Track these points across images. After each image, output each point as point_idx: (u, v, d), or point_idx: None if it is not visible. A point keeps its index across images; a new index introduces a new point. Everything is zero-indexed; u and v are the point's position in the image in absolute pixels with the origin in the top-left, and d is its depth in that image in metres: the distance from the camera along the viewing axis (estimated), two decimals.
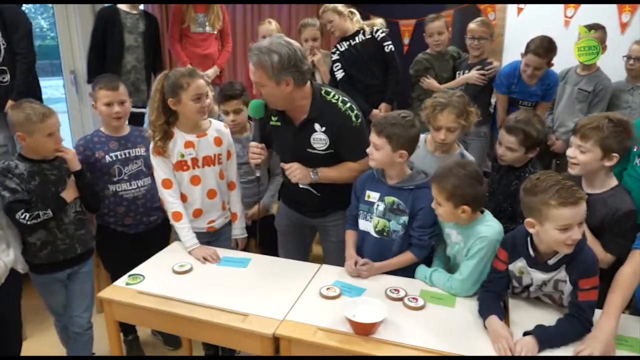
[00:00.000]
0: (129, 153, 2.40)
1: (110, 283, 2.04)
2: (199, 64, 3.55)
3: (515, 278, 1.75)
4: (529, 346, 1.52)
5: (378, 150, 1.97)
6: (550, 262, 1.64)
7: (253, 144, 2.16)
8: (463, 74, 3.46)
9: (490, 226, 1.83)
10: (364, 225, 2.11)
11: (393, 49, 3.45)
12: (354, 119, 2.11)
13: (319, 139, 2.13)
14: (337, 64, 3.50)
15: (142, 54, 3.43)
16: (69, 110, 3.79)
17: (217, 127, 2.32)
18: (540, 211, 1.56)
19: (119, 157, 2.37)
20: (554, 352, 1.54)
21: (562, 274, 1.64)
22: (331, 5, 3.40)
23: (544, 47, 3.06)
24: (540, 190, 1.56)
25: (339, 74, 3.51)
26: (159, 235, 2.44)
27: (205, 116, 2.22)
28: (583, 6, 4.04)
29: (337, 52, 3.49)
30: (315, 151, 2.14)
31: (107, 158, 2.35)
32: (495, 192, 2.27)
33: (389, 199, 2.02)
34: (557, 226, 1.53)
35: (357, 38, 3.43)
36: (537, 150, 2.19)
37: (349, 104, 2.12)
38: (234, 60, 4.63)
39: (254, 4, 4.60)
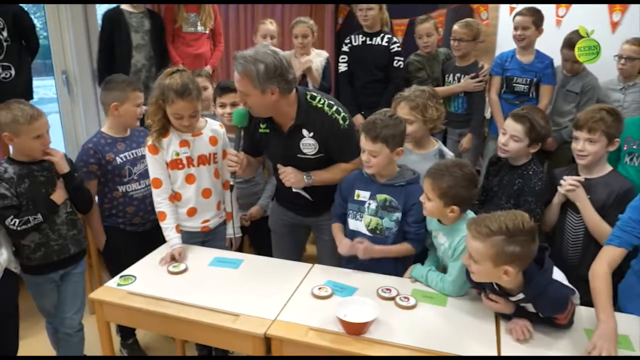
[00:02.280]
0: (136, 153, 2.43)
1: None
2: (192, 63, 3.55)
3: None
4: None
5: (376, 157, 1.97)
6: (513, 299, 1.63)
7: (232, 151, 2.14)
8: (452, 77, 3.48)
9: None
10: (355, 224, 2.11)
11: (402, 66, 3.46)
12: (341, 121, 2.11)
13: (308, 144, 2.13)
14: (344, 56, 3.52)
15: (150, 52, 3.45)
16: (60, 110, 3.76)
17: (213, 127, 2.32)
18: None
19: (128, 157, 2.40)
20: (549, 352, 1.55)
21: (530, 307, 1.63)
22: None
23: (527, 8, 3.20)
24: None
25: (342, 67, 3.53)
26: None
27: (186, 131, 2.20)
28: (574, 5, 4.06)
29: (349, 44, 3.51)
30: (306, 156, 2.14)
31: (118, 160, 2.36)
32: (496, 193, 2.26)
33: (381, 196, 2.03)
34: None
35: (374, 39, 3.44)
36: (538, 145, 2.18)
37: (335, 107, 2.11)
38: (227, 59, 4.62)
39: (248, 4, 4.59)
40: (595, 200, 2.00)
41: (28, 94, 2.98)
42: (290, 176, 2.11)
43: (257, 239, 2.84)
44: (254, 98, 2.00)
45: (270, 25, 3.56)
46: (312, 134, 2.11)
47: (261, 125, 2.19)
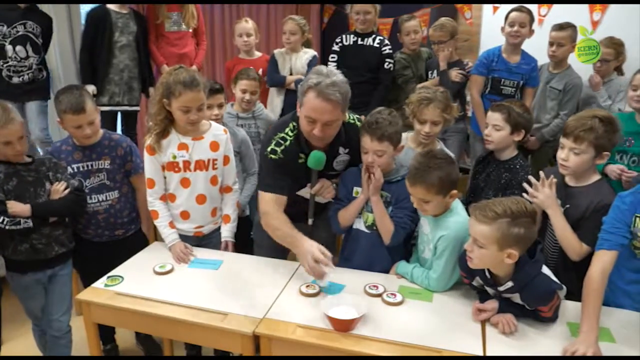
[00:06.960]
0: (91, 165, 2.27)
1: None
2: (177, 63, 3.49)
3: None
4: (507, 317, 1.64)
5: (382, 156, 1.96)
6: (501, 289, 1.67)
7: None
8: (436, 73, 3.51)
9: (455, 221, 1.83)
10: (356, 223, 2.11)
11: (392, 68, 3.48)
12: (358, 123, 2.14)
13: (342, 161, 2.15)
14: (334, 55, 3.55)
15: (133, 53, 3.43)
16: None
17: (216, 132, 2.25)
18: None
19: (81, 169, 2.27)
20: (533, 344, 1.58)
21: (517, 298, 1.67)
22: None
23: (523, 6, 3.21)
24: None
25: (331, 66, 3.53)
26: (128, 244, 2.35)
27: (193, 128, 2.15)
28: (556, 5, 4.12)
29: (340, 44, 3.53)
30: (335, 172, 2.15)
31: (69, 169, 2.25)
32: (483, 187, 2.28)
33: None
34: None
35: (366, 40, 3.46)
36: (521, 133, 2.19)
37: (355, 115, 2.16)
38: (213, 59, 4.61)
39: (233, 4, 4.59)
40: (574, 210, 1.85)
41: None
42: (331, 188, 2.11)
43: (237, 238, 2.76)
44: (339, 122, 2.00)
45: (246, 23, 3.58)
46: (347, 150, 2.12)
47: (300, 156, 2.08)
